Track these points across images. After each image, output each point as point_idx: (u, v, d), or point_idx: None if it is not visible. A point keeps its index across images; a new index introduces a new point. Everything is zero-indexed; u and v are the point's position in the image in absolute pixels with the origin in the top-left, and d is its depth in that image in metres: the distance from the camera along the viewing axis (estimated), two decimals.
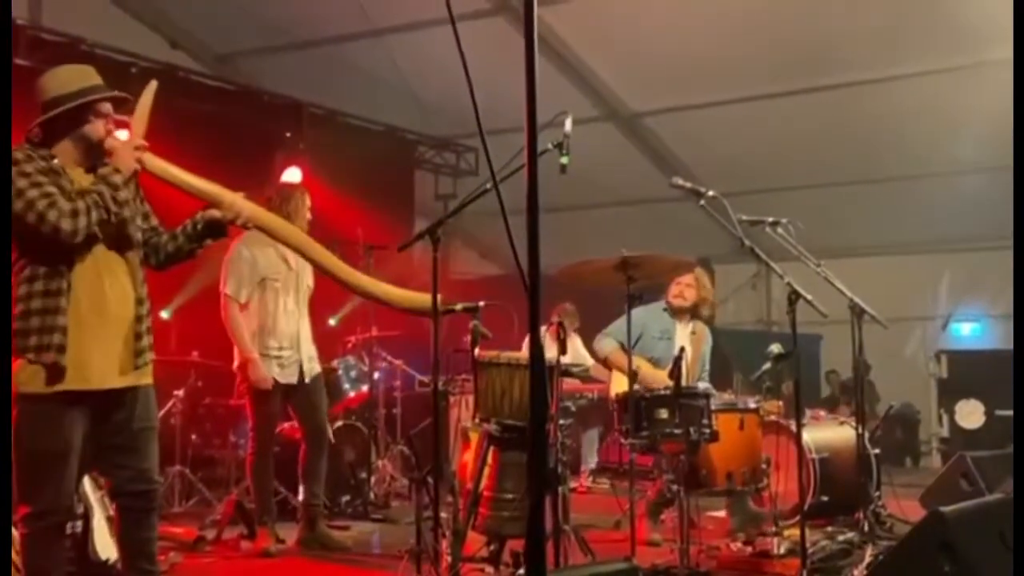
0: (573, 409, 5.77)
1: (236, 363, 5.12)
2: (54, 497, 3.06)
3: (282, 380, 5.03)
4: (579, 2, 7.62)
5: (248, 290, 5.01)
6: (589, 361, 5.95)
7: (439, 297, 3.68)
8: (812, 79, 8.31)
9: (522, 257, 1.75)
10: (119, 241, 3.15)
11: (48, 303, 3.01)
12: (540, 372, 1.69)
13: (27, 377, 3.01)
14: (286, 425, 5.72)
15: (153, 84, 3.24)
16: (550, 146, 3.75)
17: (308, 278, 5.19)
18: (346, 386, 6.17)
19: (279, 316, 5.05)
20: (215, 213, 3.27)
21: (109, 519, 4.30)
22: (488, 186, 3.89)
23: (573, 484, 6.95)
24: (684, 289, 5.39)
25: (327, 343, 6.91)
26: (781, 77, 8.36)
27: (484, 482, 4.23)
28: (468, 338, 5.52)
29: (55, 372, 3.00)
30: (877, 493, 5.55)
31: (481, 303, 4.12)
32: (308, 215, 5.08)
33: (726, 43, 8.00)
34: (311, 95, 8.65)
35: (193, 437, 6.23)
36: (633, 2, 7.73)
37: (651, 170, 9.85)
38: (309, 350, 5.16)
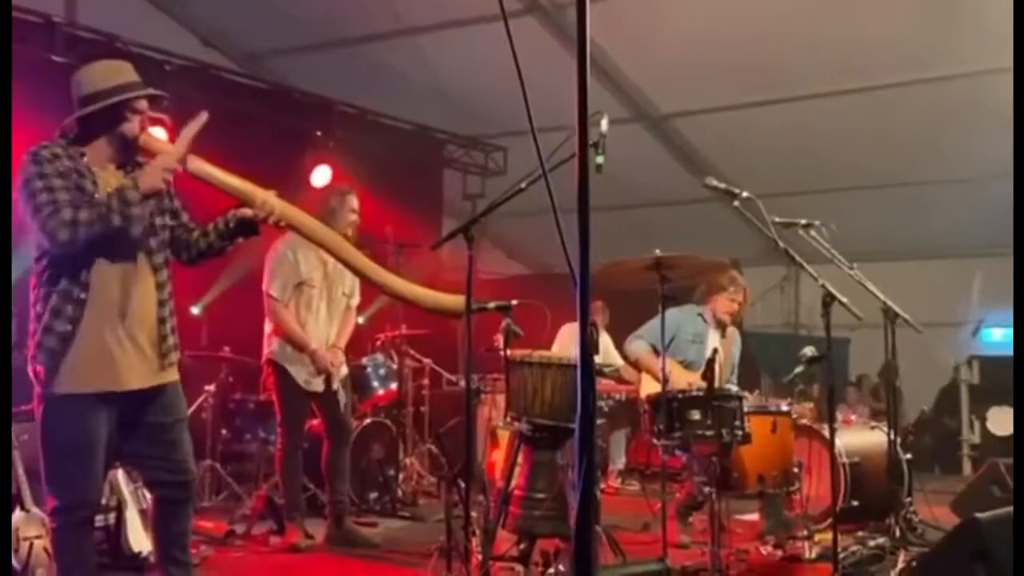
0: (605, 409, 5.77)
1: (264, 357, 5.15)
2: (81, 491, 3.08)
3: (309, 388, 5.06)
4: (610, 3, 7.60)
5: (288, 292, 5.03)
6: (618, 361, 5.96)
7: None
8: (842, 82, 8.25)
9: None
10: (141, 244, 3.15)
11: (67, 305, 3.00)
12: (590, 368, 1.69)
13: (51, 378, 3.03)
14: (315, 422, 5.74)
15: (204, 115, 3.13)
16: None
17: (344, 286, 5.20)
18: (375, 384, 6.20)
19: (310, 321, 5.07)
20: (247, 212, 3.27)
21: (142, 512, 4.35)
22: (524, 185, 3.94)
23: (601, 485, 6.94)
24: (738, 307, 5.38)
25: (356, 341, 6.94)
26: (811, 80, 8.30)
27: (515, 481, 4.23)
28: (498, 337, 5.52)
29: (75, 375, 3.01)
30: (908, 499, 5.50)
31: (514, 302, 4.12)
32: (352, 217, 5.06)
33: (756, 45, 7.95)
34: (341, 94, 8.68)
35: (223, 432, 6.25)
36: (663, 4, 7.70)
37: (679, 171, 9.82)
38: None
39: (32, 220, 2.97)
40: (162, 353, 3.18)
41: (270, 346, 5.10)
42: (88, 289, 3.03)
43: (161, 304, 3.20)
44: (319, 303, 5.10)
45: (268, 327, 5.12)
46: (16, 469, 4.06)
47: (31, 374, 3.10)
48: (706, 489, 4.29)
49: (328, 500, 5.23)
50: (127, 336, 3.09)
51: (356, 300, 5.35)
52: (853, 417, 6.22)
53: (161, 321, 3.19)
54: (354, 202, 5.11)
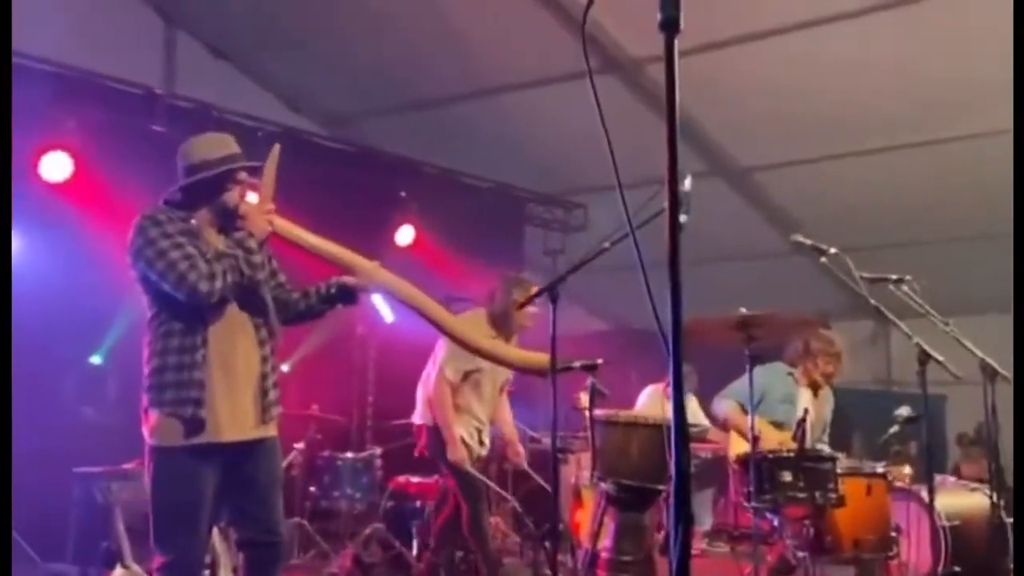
0: (691, 470, 5.67)
1: (422, 423, 5.11)
2: (188, 548, 3.16)
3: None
4: (687, 58, 7.62)
5: (460, 376, 5.01)
6: (705, 422, 5.86)
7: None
8: (928, 132, 8.10)
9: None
10: (251, 301, 3.28)
11: (184, 359, 3.12)
12: (684, 431, 1.68)
13: (164, 431, 3.12)
14: (406, 479, 5.75)
15: (276, 148, 3.36)
16: None
17: (505, 373, 5.19)
18: None
19: (474, 404, 5.08)
20: (350, 280, 3.38)
21: (235, 570, 4.41)
22: (607, 244, 3.96)
23: None
24: (833, 368, 5.25)
25: None
26: (895, 130, 8.18)
27: (601, 542, 4.19)
28: (580, 395, 5.49)
29: (194, 425, 3.11)
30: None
31: (599, 360, 4.10)
32: (532, 309, 4.90)
33: (837, 96, 7.88)
34: (423, 154, 8.87)
35: (312, 489, 6.33)
36: (740, 57, 7.70)
37: (761, 225, 9.71)
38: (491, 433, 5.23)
39: (162, 278, 3.08)
40: (263, 408, 3.26)
41: (431, 412, 5.06)
42: (201, 345, 3.14)
43: (264, 360, 3.29)
44: (485, 387, 5.12)
45: (422, 392, 5.14)
46: (117, 525, 4.19)
47: (146, 429, 3.18)
48: (799, 553, 4.17)
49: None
50: (233, 391, 3.18)
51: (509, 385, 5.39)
52: (951, 479, 5.97)
53: (263, 376, 3.28)
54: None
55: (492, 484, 4.98)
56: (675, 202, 1.77)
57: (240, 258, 3.15)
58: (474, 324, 4.89)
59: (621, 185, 2.01)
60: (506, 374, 5.21)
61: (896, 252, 8.68)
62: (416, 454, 5.30)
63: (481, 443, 5.12)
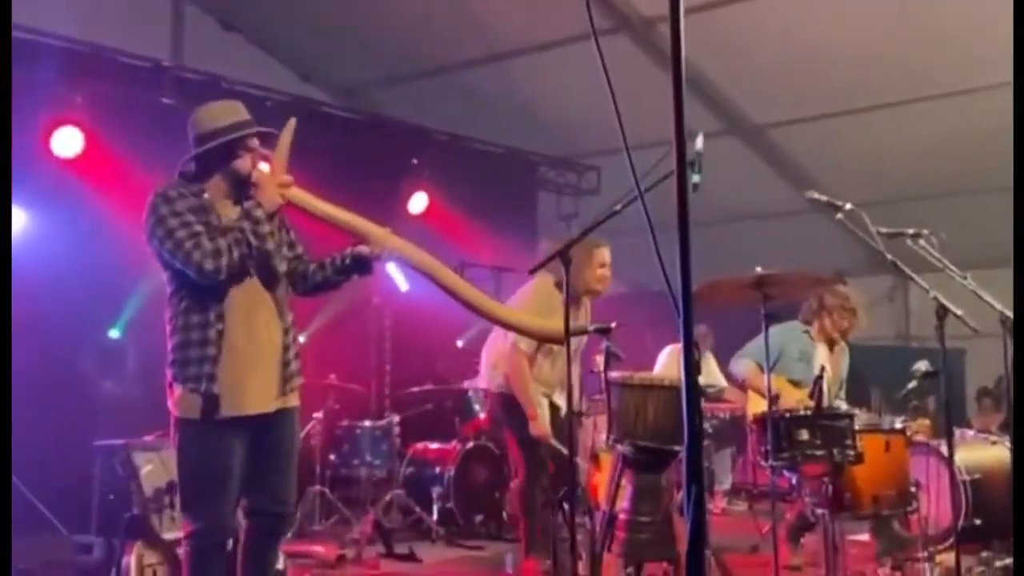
0: (709, 430, 5.68)
1: (493, 391, 5.03)
2: (216, 517, 3.18)
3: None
4: (700, 15, 7.53)
5: (534, 346, 4.86)
6: (723, 382, 5.82)
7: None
8: (947, 83, 7.97)
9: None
10: (266, 273, 3.27)
11: (204, 334, 3.14)
12: (695, 394, 1.67)
13: (187, 405, 3.15)
14: (424, 445, 5.76)
15: (292, 122, 3.31)
16: None
17: (579, 340, 4.92)
18: (476, 407, 6.25)
19: (546, 366, 4.96)
20: (364, 249, 3.36)
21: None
22: (619, 207, 3.93)
23: (708, 506, 6.82)
24: (848, 324, 5.18)
25: (457, 364, 7.01)
26: (912, 83, 8.05)
27: (620, 504, 4.20)
28: (597, 359, 5.46)
29: (211, 401, 3.13)
30: None
31: (613, 324, 4.08)
32: (600, 271, 4.81)
33: (851, 51, 7.77)
34: (434, 121, 8.82)
35: (331, 457, 6.39)
36: (754, 14, 7.59)
37: (778, 183, 9.63)
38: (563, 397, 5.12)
39: (173, 257, 3.09)
40: (285, 379, 3.27)
41: (499, 379, 4.97)
42: (217, 320, 3.15)
43: (284, 332, 3.30)
44: (558, 355, 4.90)
45: (487, 357, 5.06)
46: (139, 496, 4.24)
47: (171, 402, 3.21)
48: (818, 511, 4.17)
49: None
50: (255, 363, 3.20)
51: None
52: (970, 432, 5.95)
53: (284, 348, 3.28)
54: (603, 256, 4.87)
55: (563, 449, 4.81)
56: (682, 161, 1.74)
57: (247, 229, 3.13)
58: (542, 291, 4.79)
59: (628, 148, 1.98)
60: (578, 341, 4.85)
61: (912, 206, 8.60)
62: (484, 419, 5.18)
63: (554, 407, 4.94)
